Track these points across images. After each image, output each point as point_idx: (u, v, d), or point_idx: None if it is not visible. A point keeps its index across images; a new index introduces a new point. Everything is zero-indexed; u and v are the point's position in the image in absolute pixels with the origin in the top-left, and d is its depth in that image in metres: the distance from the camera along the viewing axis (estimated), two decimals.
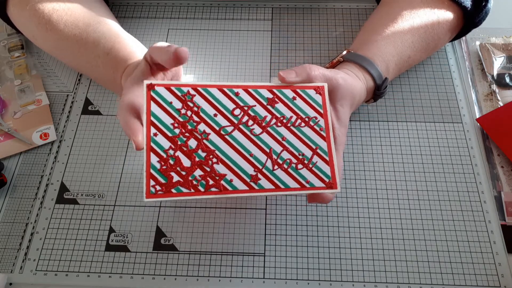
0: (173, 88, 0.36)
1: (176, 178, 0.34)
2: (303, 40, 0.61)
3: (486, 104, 0.55)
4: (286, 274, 0.44)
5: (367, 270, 0.44)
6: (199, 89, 0.37)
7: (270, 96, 0.38)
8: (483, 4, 0.51)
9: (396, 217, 0.47)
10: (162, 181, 0.34)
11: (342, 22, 0.62)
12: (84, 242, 0.46)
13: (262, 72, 0.58)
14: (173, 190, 0.34)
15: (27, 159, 0.52)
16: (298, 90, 0.39)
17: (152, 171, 0.34)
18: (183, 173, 0.35)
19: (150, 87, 0.36)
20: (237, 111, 0.37)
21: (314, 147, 0.38)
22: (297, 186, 0.37)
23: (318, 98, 0.40)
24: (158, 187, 0.34)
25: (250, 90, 0.38)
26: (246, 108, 0.37)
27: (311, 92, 0.40)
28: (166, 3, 0.65)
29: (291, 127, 0.38)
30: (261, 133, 0.37)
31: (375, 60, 0.47)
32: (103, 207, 0.48)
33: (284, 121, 0.38)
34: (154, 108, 0.35)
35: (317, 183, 0.38)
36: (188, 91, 0.36)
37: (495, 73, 0.56)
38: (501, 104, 0.54)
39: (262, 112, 0.38)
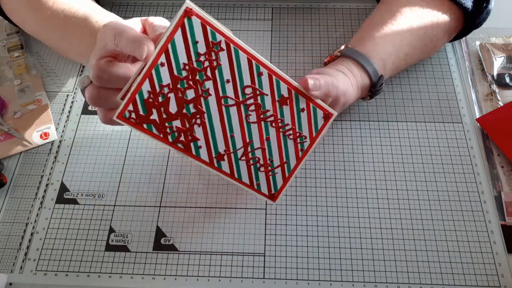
0: (208, 28, 0.32)
1: (154, 116, 0.32)
2: (303, 40, 0.61)
3: (486, 104, 0.55)
4: (286, 274, 0.44)
5: (367, 270, 0.44)
6: (232, 46, 0.33)
7: (286, 95, 0.37)
8: (484, 5, 0.51)
9: (396, 217, 0.47)
10: (141, 112, 0.32)
11: (342, 22, 0.62)
12: (84, 242, 0.46)
13: None
14: (144, 125, 0.32)
15: (27, 159, 0.52)
16: (311, 105, 0.38)
17: (137, 97, 0.31)
18: (164, 116, 0.33)
19: (188, 13, 0.30)
20: (248, 90, 0.35)
21: (285, 160, 0.39)
22: (248, 182, 0.39)
23: (321, 122, 0.40)
24: (133, 115, 0.31)
25: (273, 78, 0.36)
26: (258, 93, 0.36)
27: (319, 114, 0.39)
28: (166, 3, 0.65)
29: (281, 133, 0.38)
30: (254, 122, 0.36)
31: (372, 56, 0.47)
32: (103, 207, 0.48)
33: (280, 124, 0.38)
34: (178, 38, 0.31)
35: (264, 189, 0.40)
36: (220, 41, 0.32)
37: (495, 73, 0.56)
38: (501, 104, 0.54)
39: (268, 104, 0.36)
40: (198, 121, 0.34)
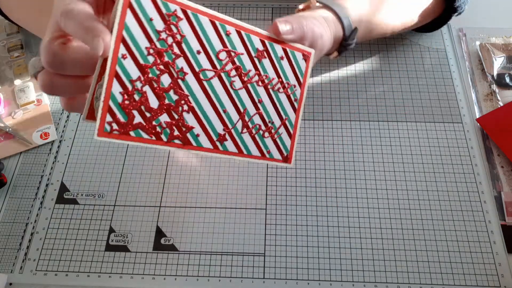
0: (158, 0, 0.28)
1: (138, 118, 0.28)
2: None
3: (486, 104, 0.55)
4: (286, 274, 0.44)
5: (367, 270, 0.44)
6: (189, 12, 0.30)
7: (261, 47, 0.34)
8: None
9: (396, 217, 0.47)
10: (122, 119, 0.27)
11: None
12: (84, 242, 0.46)
13: None
14: (131, 133, 0.28)
15: (27, 159, 0.52)
16: (288, 50, 0.36)
17: (111, 103, 0.27)
18: (148, 114, 0.29)
19: None
20: (222, 55, 0.32)
21: (284, 117, 0.37)
22: (259, 154, 0.36)
23: (303, 64, 0.37)
24: (114, 125, 0.27)
25: (242, 33, 0.33)
26: (233, 54, 0.32)
27: (299, 56, 0.36)
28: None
29: (270, 90, 0.35)
30: (241, 88, 0.33)
31: (348, 9, 0.45)
32: (103, 207, 0.48)
33: (266, 81, 0.35)
34: (130, 21, 0.27)
35: (276, 154, 0.37)
36: (175, 10, 0.29)
37: (495, 73, 0.56)
38: (501, 104, 0.54)
39: (248, 64, 0.33)
40: (185, 107, 0.30)
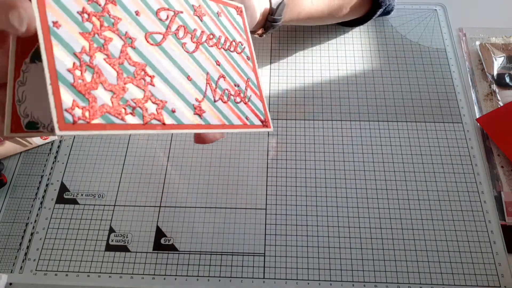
0: None
1: (101, 100, 0.22)
2: (303, 41, 0.61)
3: (486, 104, 0.55)
4: (286, 274, 0.44)
5: (367, 270, 0.44)
6: None
7: (196, 4, 0.30)
8: None
9: (396, 217, 0.47)
10: (81, 103, 0.21)
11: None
12: (84, 242, 0.46)
13: (263, 72, 0.58)
14: (100, 120, 0.22)
15: (27, 159, 0.52)
16: (221, 6, 0.33)
17: (61, 84, 0.20)
18: (109, 93, 0.23)
19: None
20: (163, 15, 0.28)
21: (245, 78, 0.33)
22: (240, 123, 0.31)
23: (239, 20, 0.34)
24: (77, 112, 0.21)
25: None
26: (172, 13, 0.28)
27: (233, 12, 0.34)
28: None
29: (222, 50, 0.31)
30: (195, 50, 0.29)
31: None
32: (103, 207, 0.48)
33: (215, 40, 0.31)
34: None
35: (255, 120, 0.32)
36: None
37: (495, 73, 0.56)
38: (501, 104, 0.54)
39: (190, 23, 0.30)
40: (148, 78, 0.25)
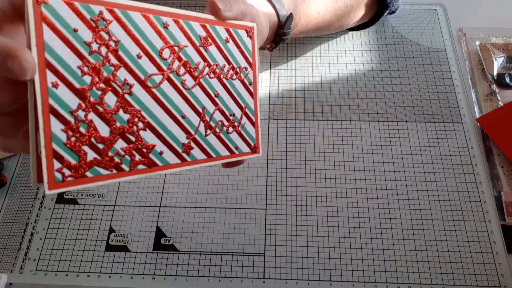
0: (77, 4, 0.23)
1: (91, 154, 0.24)
2: (303, 40, 0.61)
3: (486, 104, 0.55)
4: (286, 274, 0.44)
5: (367, 270, 0.44)
6: (117, 11, 0.25)
7: (204, 34, 0.30)
8: None
9: (396, 217, 0.47)
10: (72, 161, 0.23)
11: None
12: (84, 242, 0.46)
13: (263, 72, 0.58)
14: (88, 174, 0.24)
15: (27, 159, 0.52)
16: (231, 30, 0.32)
17: (55, 146, 0.22)
18: (100, 146, 0.24)
19: None
20: (166, 53, 0.28)
21: (243, 105, 0.34)
22: (228, 153, 0.32)
23: (248, 42, 0.34)
24: (66, 171, 0.23)
25: (181, 22, 0.29)
26: (177, 49, 0.29)
27: (243, 34, 0.33)
28: (166, 3, 0.65)
29: (223, 80, 0.32)
30: (194, 86, 0.30)
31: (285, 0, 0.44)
32: (103, 207, 0.48)
33: (217, 70, 0.32)
34: (50, 37, 0.22)
35: (244, 148, 0.34)
36: (100, 12, 0.24)
37: (495, 73, 0.56)
38: (501, 104, 0.54)
39: (195, 56, 0.30)
40: (140, 124, 0.26)
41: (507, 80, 0.56)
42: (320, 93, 0.56)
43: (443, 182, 0.49)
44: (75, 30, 0.23)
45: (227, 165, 0.34)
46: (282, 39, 0.45)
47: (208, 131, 0.31)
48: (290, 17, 0.44)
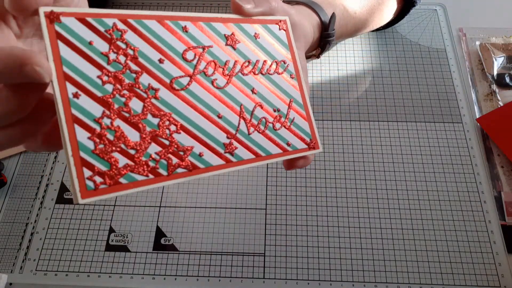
0: (89, 19, 0.24)
1: (123, 161, 0.23)
2: None
3: (486, 104, 0.55)
4: (286, 274, 0.44)
5: (367, 270, 0.44)
6: (131, 21, 0.25)
7: (228, 32, 0.30)
8: None
9: (396, 217, 0.47)
10: (103, 168, 0.23)
11: None
12: (84, 242, 0.46)
13: None
14: (122, 180, 0.23)
15: (27, 159, 0.52)
16: (258, 26, 0.31)
17: (83, 154, 0.22)
18: (132, 152, 0.24)
19: (52, 17, 0.22)
20: (190, 55, 0.27)
21: (288, 99, 0.32)
22: (279, 151, 0.31)
23: (283, 35, 0.33)
24: (98, 179, 0.22)
25: (201, 24, 0.29)
26: (201, 50, 0.28)
27: (274, 28, 0.32)
28: (166, 3, 0.65)
29: (260, 75, 0.31)
30: (226, 84, 0.29)
31: (323, 4, 0.44)
32: (103, 207, 0.48)
33: (250, 67, 0.30)
34: (66, 52, 0.23)
35: (299, 144, 0.32)
36: (114, 24, 0.25)
37: (495, 73, 0.56)
38: (501, 104, 0.54)
39: (222, 55, 0.29)
40: (173, 127, 0.26)
41: (507, 80, 0.56)
42: (320, 93, 0.56)
43: (443, 182, 0.49)
44: (91, 43, 0.24)
45: (288, 166, 0.33)
46: (328, 42, 0.45)
47: (252, 129, 0.29)
48: (333, 16, 0.43)
